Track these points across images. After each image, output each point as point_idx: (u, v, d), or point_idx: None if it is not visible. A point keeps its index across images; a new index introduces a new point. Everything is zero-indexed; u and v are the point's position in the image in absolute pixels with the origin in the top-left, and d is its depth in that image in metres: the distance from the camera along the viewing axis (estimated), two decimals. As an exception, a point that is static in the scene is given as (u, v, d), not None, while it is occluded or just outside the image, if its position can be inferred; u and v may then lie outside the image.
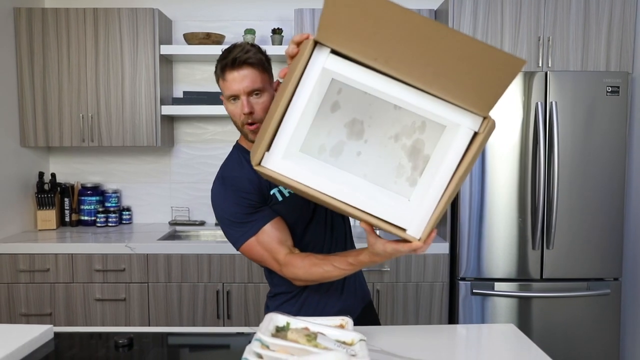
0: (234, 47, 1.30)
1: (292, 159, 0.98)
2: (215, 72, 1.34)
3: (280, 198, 1.36)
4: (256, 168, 0.98)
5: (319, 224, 1.43)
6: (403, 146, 1.01)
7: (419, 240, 0.99)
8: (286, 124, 0.96)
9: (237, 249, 1.35)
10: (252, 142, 1.30)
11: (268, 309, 1.49)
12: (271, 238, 1.31)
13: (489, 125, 0.95)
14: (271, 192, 1.36)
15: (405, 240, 1.02)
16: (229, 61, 1.28)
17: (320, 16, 0.89)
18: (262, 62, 1.31)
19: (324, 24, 0.90)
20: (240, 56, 1.27)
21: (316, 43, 0.94)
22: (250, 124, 1.31)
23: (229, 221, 1.35)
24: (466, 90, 0.92)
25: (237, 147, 1.46)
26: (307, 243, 1.40)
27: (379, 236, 1.10)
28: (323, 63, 0.94)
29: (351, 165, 1.02)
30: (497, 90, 0.90)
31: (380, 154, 1.02)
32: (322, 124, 1.00)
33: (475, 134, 0.96)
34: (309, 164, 1.00)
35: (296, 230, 1.38)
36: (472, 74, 0.90)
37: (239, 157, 1.41)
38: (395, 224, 0.99)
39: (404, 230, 0.99)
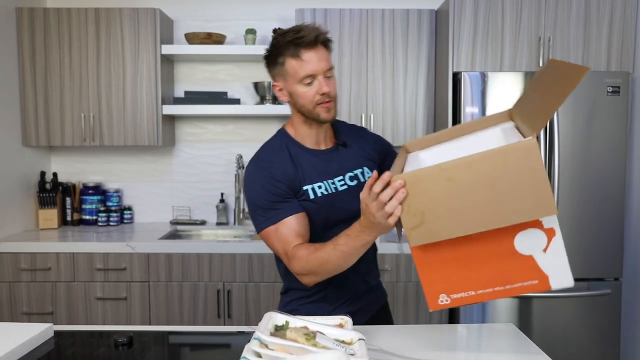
0: (302, 27, 1.30)
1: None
2: (279, 53, 1.31)
3: (312, 196, 1.36)
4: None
5: (341, 229, 1.35)
6: None
7: None
8: None
9: (257, 233, 1.36)
10: (323, 121, 1.35)
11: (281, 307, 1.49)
12: (289, 231, 1.29)
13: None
14: (304, 188, 1.36)
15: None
16: (309, 39, 1.27)
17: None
18: (331, 41, 1.35)
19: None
20: (321, 35, 1.29)
21: None
22: (326, 102, 1.32)
23: (254, 204, 1.35)
24: None
25: (282, 134, 1.45)
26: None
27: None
28: None
29: None
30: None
31: None
32: None
33: None
34: None
35: (318, 229, 1.37)
36: None
37: (281, 144, 1.41)
38: None
39: None
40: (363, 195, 1.10)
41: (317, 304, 1.42)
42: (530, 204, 0.93)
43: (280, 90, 1.38)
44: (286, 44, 1.29)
